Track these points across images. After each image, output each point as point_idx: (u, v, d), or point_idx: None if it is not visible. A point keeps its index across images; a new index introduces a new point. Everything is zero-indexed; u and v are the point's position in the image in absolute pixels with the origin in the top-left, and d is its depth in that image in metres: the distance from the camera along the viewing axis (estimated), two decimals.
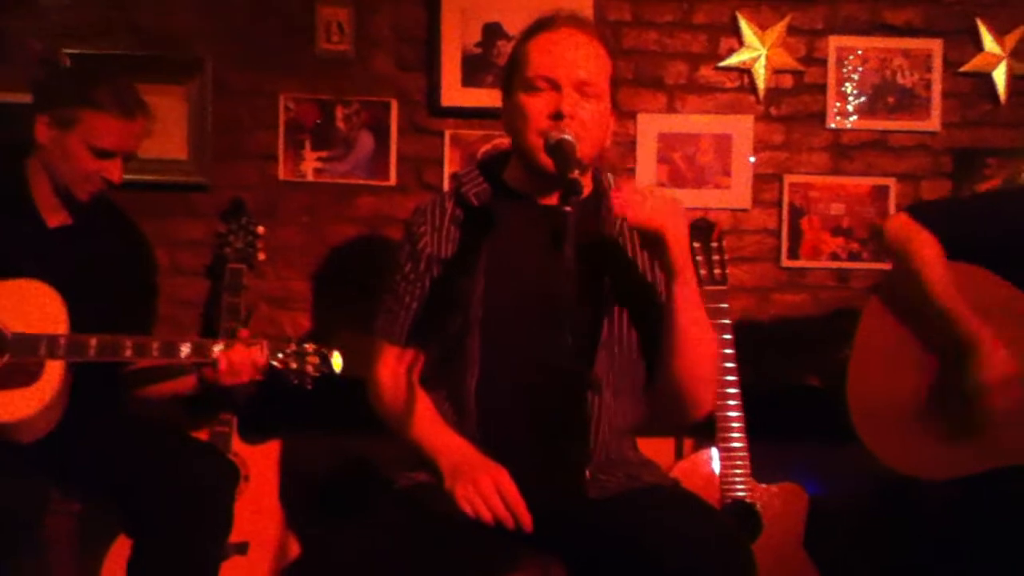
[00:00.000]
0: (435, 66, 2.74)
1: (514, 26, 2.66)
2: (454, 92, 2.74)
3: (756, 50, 2.79)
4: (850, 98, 2.81)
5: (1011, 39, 2.79)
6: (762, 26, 2.79)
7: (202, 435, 2.41)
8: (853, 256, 2.81)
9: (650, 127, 2.80)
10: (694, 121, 2.81)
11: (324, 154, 2.76)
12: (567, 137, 1.56)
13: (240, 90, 2.75)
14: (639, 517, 1.58)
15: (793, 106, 2.82)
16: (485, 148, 2.73)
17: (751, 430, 2.42)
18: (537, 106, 1.63)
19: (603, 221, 1.74)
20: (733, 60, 2.80)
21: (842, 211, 2.81)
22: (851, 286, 2.82)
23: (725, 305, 2.44)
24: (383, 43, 2.77)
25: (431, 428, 1.73)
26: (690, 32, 2.81)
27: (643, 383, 1.76)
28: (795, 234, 2.81)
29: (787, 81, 2.82)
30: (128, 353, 1.95)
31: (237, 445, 2.44)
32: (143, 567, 1.98)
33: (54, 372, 1.95)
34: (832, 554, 2.45)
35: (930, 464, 2.14)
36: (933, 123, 2.81)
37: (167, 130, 2.67)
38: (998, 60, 2.79)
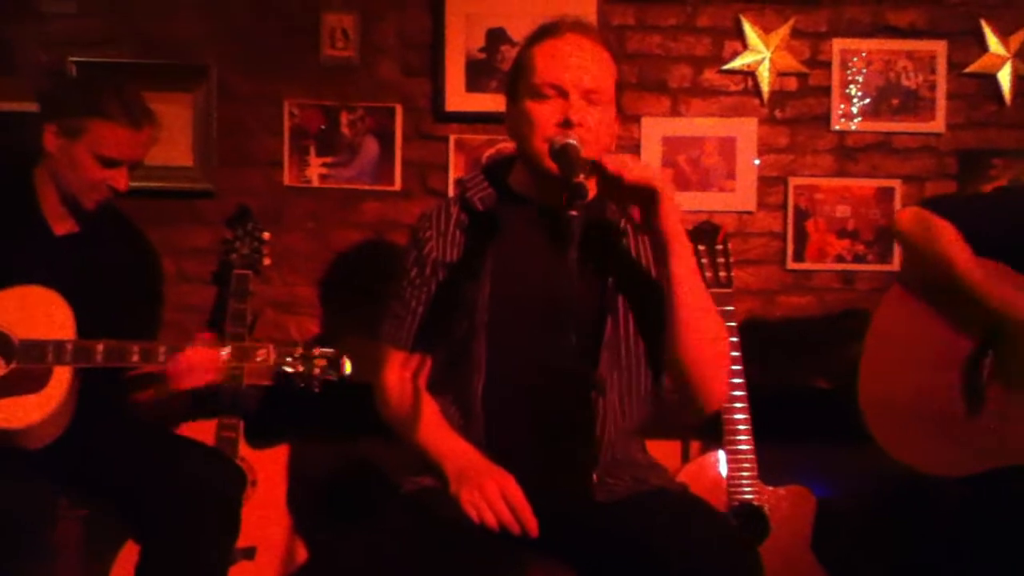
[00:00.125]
0: (439, 71, 2.75)
1: (518, 31, 2.67)
2: (458, 97, 2.75)
3: (760, 53, 2.79)
4: (854, 100, 2.81)
5: (1016, 40, 2.78)
6: (766, 29, 2.79)
7: (209, 440, 2.42)
8: (859, 258, 2.81)
9: (654, 131, 2.80)
10: (698, 124, 2.81)
11: (329, 160, 2.77)
12: (572, 142, 1.57)
13: (245, 96, 2.76)
14: (646, 521, 1.58)
15: (797, 109, 2.82)
16: (490, 152, 2.74)
17: (758, 432, 2.42)
18: (544, 113, 1.64)
19: (607, 223, 1.74)
20: (737, 63, 2.80)
21: (847, 213, 2.81)
22: (857, 288, 2.82)
23: (731, 308, 2.44)
24: (388, 49, 2.78)
25: (437, 433, 1.74)
26: (694, 35, 2.81)
27: (648, 383, 1.76)
28: (800, 236, 2.81)
29: (791, 84, 2.82)
30: (135, 359, 1.95)
31: (244, 450, 2.45)
32: (151, 572, 1.98)
33: (61, 378, 1.95)
34: (840, 556, 2.44)
35: (946, 460, 2.14)
36: (938, 124, 2.80)
37: (172, 137, 2.68)
38: (1003, 61, 2.79)
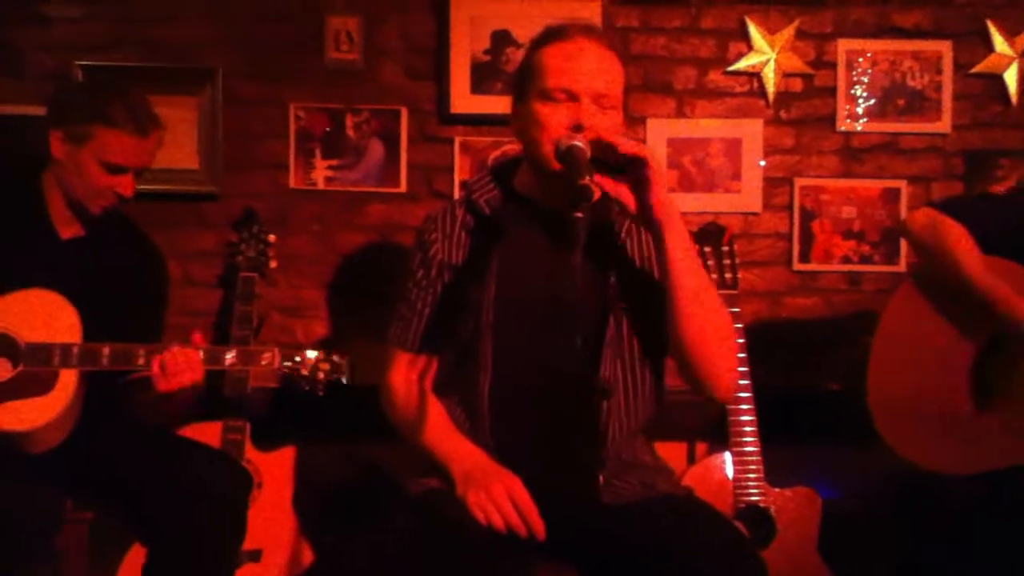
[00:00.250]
0: (444, 74, 2.75)
1: (523, 33, 2.67)
2: (463, 99, 2.75)
3: (765, 54, 2.79)
4: (860, 101, 2.80)
5: (1022, 40, 2.78)
6: (771, 30, 2.79)
7: (215, 443, 2.42)
8: (865, 259, 2.81)
9: (660, 132, 2.80)
10: (704, 126, 2.81)
11: (334, 162, 2.77)
12: (578, 143, 1.56)
13: (250, 100, 2.77)
14: (651, 525, 1.58)
15: (803, 109, 2.82)
16: (495, 154, 2.73)
17: (764, 434, 2.42)
18: (555, 116, 1.63)
19: (611, 223, 1.74)
20: (742, 64, 2.80)
21: (853, 214, 2.81)
22: (863, 289, 2.81)
23: (737, 309, 2.44)
24: (392, 52, 2.78)
25: (443, 435, 1.74)
26: (698, 37, 2.81)
27: (652, 383, 1.75)
28: (806, 238, 2.81)
29: (796, 85, 2.82)
30: (141, 362, 1.96)
31: (250, 452, 2.45)
32: (157, 571, 1.98)
33: (68, 381, 1.96)
34: (846, 558, 2.44)
35: (954, 459, 2.14)
36: (944, 125, 2.80)
37: (178, 140, 2.69)
38: (1009, 61, 2.79)
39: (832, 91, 2.81)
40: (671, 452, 2.49)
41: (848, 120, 2.81)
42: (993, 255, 2.12)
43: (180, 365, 1.93)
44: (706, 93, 2.82)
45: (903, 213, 2.77)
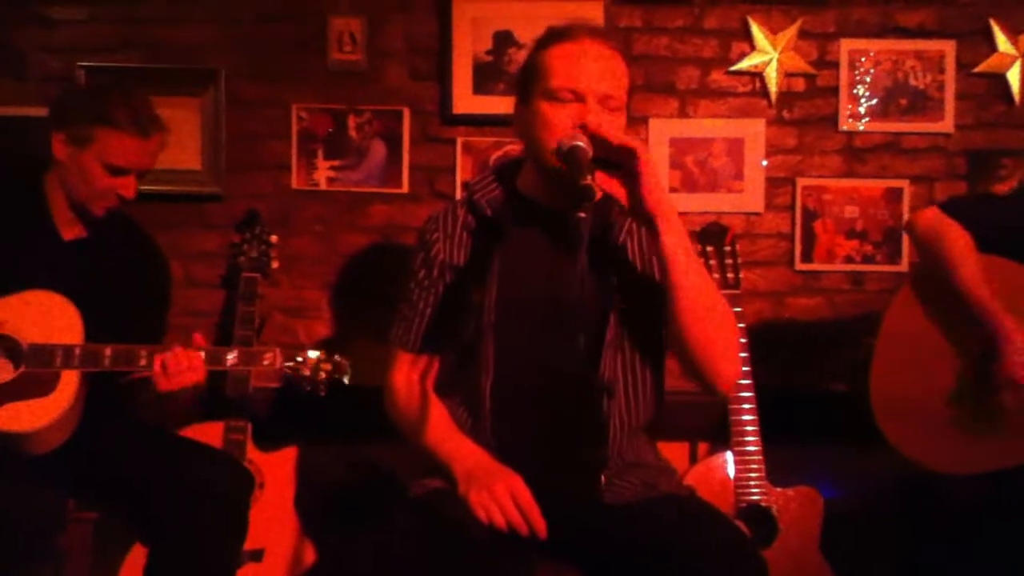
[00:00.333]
0: (446, 74, 2.75)
1: (525, 34, 2.68)
2: (465, 100, 2.75)
3: (767, 54, 2.78)
4: (862, 100, 2.80)
5: None
6: (773, 30, 2.78)
7: (217, 443, 2.42)
8: (867, 259, 2.80)
9: (662, 132, 2.80)
10: (706, 126, 2.81)
11: (337, 163, 2.78)
12: (580, 143, 1.56)
13: (253, 101, 2.77)
14: (653, 525, 1.58)
15: (805, 109, 2.82)
16: (497, 155, 2.74)
17: (766, 433, 2.41)
18: (560, 116, 1.63)
19: (612, 223, 1.74)
20: (744, 64, 2.80)
21: (856, 214, 2.80)
22: (866, 289, 2.81)
23: (739, 309, 2.43)
24: (395, 53, 2.78)
25: (446, 435, 1.74)
26: (701, 37, 2.81)
27: (654, 383, 1.75)
28: (809, 237, 2.81)
29: (799, 84, 2.82)
30: (143, 363, 1.96)
31: (252, 453, 2.45)
32: (158, 571, 1.99)
33: (70, 382, 1.96)
34: (848, 558, 2.43)
35: (957, 458, 2.14)
36: (947, 124, 2.79)
37: (181, 141, 2.69)
38: (1012, 60, 2.78)
39: (835, 91, 2.80)
40: (673, 452, 2.49)
41: (851, 120, 2.81)
42: (993, 252, 2.12)
43: (182, 365, 1.94)
44: (708, 93, 2.82)
45: (906, 213, 2.77)
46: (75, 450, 1.99)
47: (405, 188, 2.78)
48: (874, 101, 2.80)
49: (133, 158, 2.05)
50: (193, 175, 2.75)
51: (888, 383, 2.20)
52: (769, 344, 2.69)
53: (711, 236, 2.52)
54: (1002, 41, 2.77)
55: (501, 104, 2.58)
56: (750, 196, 2.80)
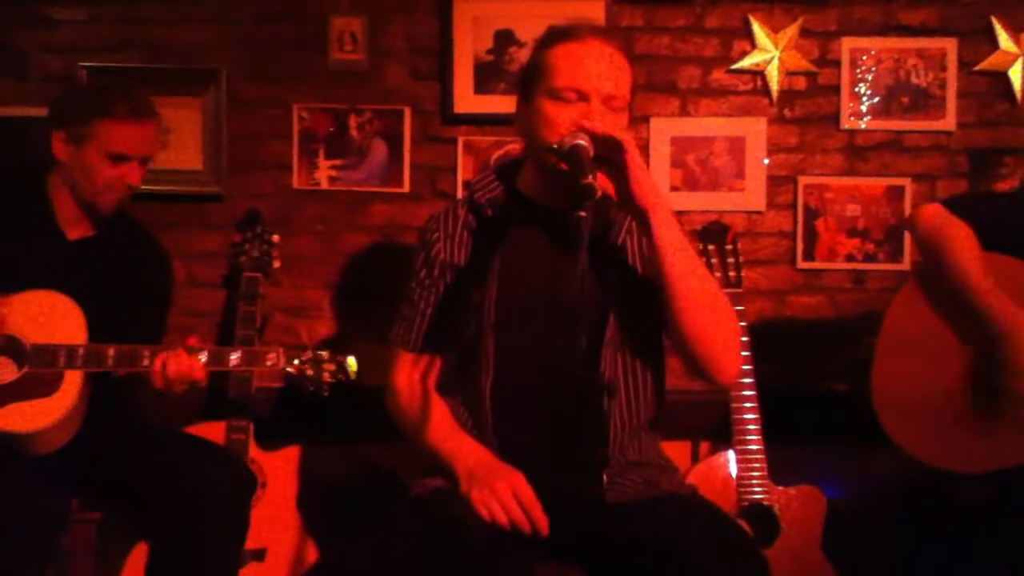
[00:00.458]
0: (447, 74, 2.75)
1: (526, 33, 2.68)
2: (466, 99, 2.75)
3: (769, 52, 2.78)
4: (864, 99, 2.80)
5: None
6: (775, 29, 2.78)
7: (219, 443, 2.42)
8: (869, 257, 2.80)
9: (663, 131, 2.79)
10: (707, 124, 2.81)
11: (338, 162, 2.78)
12: (581, 142, 1.57)
13: (254, 101, 2.77)
14: (654, 524, 1.58)
15: (807, 108, 2.82)
16: (498, 154, 2.74)
17: (768, 432, 2.41)
18: (564, 116, 1.63)
19: (612, 222, 1.74)
20: (746, 63, 2.79)
21: (858, 212, 2.80)
22: (867, 287, 2.80)
23: (741, 308, 2.43)
24: (396, 52, 2.78)
25: (447, 434, 1.74)
26: (702, 36, 2.81)
27: (654, 381, 1.75)
28: (810, 236, 2.80)
29: (800, 83, 2.81)
30: (146, 363, 1.97)
31: (254, 452, 2.45)
32: (159, 569, 1.99)
33: (73, 383, 1.97)
34: (851, 557, 2.43)
35: (962, 456, 2.13)
36: (948, 123, 2.79)
37: (182, 141, 2.70)
38: (1014, 58, 2.77)
39: (836, 89, 2.80)
40: (675, 451, 2.48)
41: (852, 118, 2.80)
42: (996, 250, 2.12)
43: (183, 369, 1.94)
44: (710, 92, 2.81)
45: (907, 211, 2.76)
46: (78, 450, 1.99)
47: (406, 188, 2.78)
48: (876, 99, 2.80)
49: (131, 143, 2.07)
50: (194, 175, 2.75)
51: (890, 381, 2.20)
52: (771, 343, 2.69)
53: (712, 235, 2.52)
54: (1004, 39, 2.77)
55: (502, 103, 2.57)
56: (751, 195, 2.80)
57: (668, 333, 1.67)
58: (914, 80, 2.79)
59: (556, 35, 1.69)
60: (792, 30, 2.78)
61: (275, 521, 2.41)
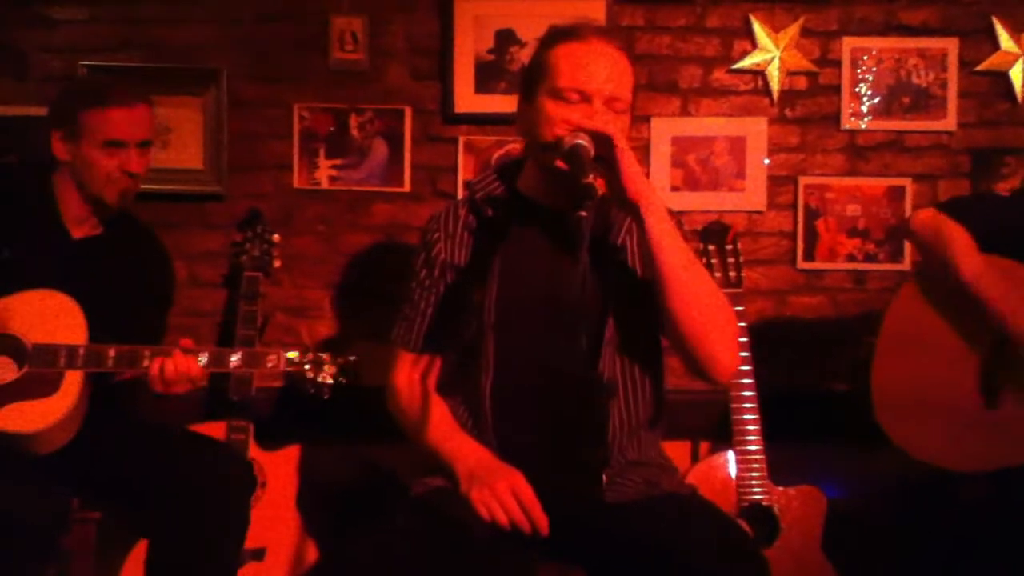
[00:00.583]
0: (448, 73, 2.75)
1: (527, 32, 2.68)
2: (467, 99, 2.75)
3: (770, 52, 2.78)
4: (865, 99, 2.80)
5: None
6: (775, 28, 2.78)
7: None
8: (870, 257, 2.80)
9: (664, 131, 2.79)
10: (708, 124, 2.80)
11: (339, 162, 2.78)
12: (581, 142, 1.57)
13: (254, 100, 2.77)
14: (654, 524, 1.58)
15: (808, 108, 2.81)
16: (498, 154, 2.74)
17: (768, 433, 2.41)
18: (566, 116, 1.63)
19: (612, 223, 1.74)
20: (747, 63, 2.79)
21: (858, 212, 2.80)
22: (868, 288, 2.80)
23: (741, 308, 2.43)
24: (396, 52, 2.78)
25: (448, 434, 1.75)
26: (703, 36, 2.81)
27: (653, 381, 1.75)
28: (811, 236, 2.80)
29: (801, 83, 2.81)
30: (146, 364, 1.97)
31: (255, 452, 2.45)
32: (159, 567, 1.99)
33: (73, 383, 1.97)
34: (851, 557, 2.43)
35: (962, 456, 2.14)
36: (949, 123, 2.79)
37: (183, 141, 2.70)
38: (1015, 58, 2.77)
39: (837, 89, 2.80)
40: (674, 451, 2.48)
41: (853, 118, 2.80)
42: (994, 254, 2.12)
43: (180, 368, 1.94)
44: (711, 92, 2.81)
45: (908, 211, 2.76)
46: (78, 450, 2.00)
47: (407, 187, 2.78)
48: (876, 99, 2.80)
49: (125, 128, 2.08)
50: (195, 175, 2.75)
51: (890, 382, 2.20)
52: (771, 343, 2.69)
53: (713, 235, 2.52)
54: (1005, 39, 2.76)
55: (503, 103, 2.59)
56: (752, 195, 2.80)
57: (665, 331, 1.67)
58: (915, 80, 2.79)
59: (559, 35, 1.69)
60: (793, 30, 2.78)
61: (275, 521, 2.41)
